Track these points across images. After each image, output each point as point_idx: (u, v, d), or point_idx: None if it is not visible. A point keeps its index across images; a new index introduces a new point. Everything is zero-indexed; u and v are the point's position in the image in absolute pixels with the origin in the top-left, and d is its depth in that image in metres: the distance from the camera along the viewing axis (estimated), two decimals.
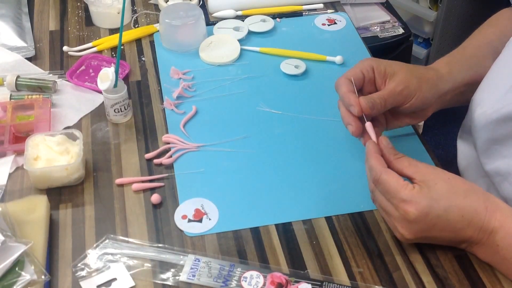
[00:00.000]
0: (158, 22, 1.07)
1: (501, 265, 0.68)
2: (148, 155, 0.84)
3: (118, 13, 1.07)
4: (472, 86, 0.82)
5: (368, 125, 0.74)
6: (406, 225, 0.67)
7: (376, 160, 0.69)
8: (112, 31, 1.08)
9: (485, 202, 0.67)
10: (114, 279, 0.68)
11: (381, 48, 1.41)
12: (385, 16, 1.46)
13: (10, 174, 0.81)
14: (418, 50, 2.03)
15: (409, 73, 0.77)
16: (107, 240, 0.72)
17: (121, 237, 0.73)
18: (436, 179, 0.67)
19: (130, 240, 0.73)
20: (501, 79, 0.77)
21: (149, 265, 0.70)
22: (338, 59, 1.00)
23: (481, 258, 0.70)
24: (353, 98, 0.74)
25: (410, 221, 0.66)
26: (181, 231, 0.74)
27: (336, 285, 0.68)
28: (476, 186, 0.69)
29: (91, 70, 0.99)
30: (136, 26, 1.10)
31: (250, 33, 1.07)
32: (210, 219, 0.76)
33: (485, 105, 0.77)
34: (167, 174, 0.81)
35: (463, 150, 0.90)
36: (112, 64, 0.99)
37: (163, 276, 0.69)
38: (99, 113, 0.91)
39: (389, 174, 0.67)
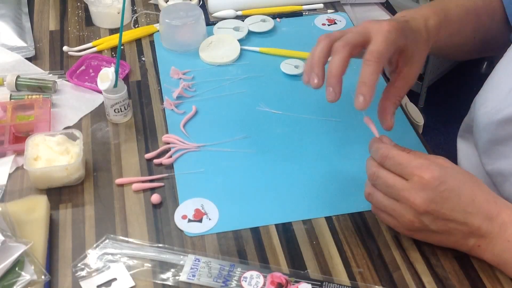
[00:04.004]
0: (158, 22, 1.07)
1: (510, 265, 0.67)
2: (148, 155, 0.84)
3: (118, 13, 1.07)
4: (447, 44, 0.83)
5: (367, 119, 0.72)
6: (419, 192, 0.64)
7: (383, 143, 0.69)
8: (112, 31, 1.08)
9: (495, 198, 0.67)
10: (114, 279, 0.68)
11: None
12: (385, 16, 1.46)
13: (10, 174, 0.81)
14: None
15: (422, 55, 0.75)
16: (107, 240, 0.72)
17: (121, 237, 0.73)
18: (449, 164, 0.67)
19: (130, 240, 0.73)
20: (505, 80, 0.77)
21: (149, 265, 0.70)
22: None
23: (489, 259, 0.68)
24: (339, 86, 0.70)
25: (423, 186, 0.64)
26: (181, 231, 0.74)
27: (336, 285, 0.68)
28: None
29: (91, 70, 0.99)
30: (136, 26, 1.10)
31: (250, 33, 1.07)
32: (210, 219, 0.76)
33: (488, 105, 0.77)
34: (167, 174, 0.81)
35: (464, 149, 0.90)
36: (112, 64, 0.99)
37: (163, 276, 0.69)
38: (99, 113, 0.91)
39: (399, 149, 0.67)
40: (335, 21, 1.11)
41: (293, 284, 0.68)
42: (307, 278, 0.69)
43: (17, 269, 0.65)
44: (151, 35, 1.08)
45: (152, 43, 1.06)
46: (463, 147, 0.90)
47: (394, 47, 0.70)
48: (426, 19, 0.78)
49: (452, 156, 0.94)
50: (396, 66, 0.75)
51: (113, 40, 1.05)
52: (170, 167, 0.83)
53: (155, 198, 0.77)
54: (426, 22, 0.77)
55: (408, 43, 0.72)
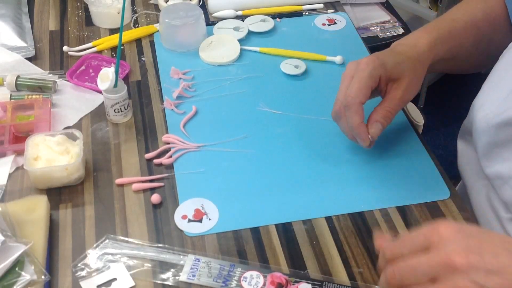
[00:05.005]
0: (158, 22, 1.07)
1: None
2: (148, 155, 0.84)
3: (118, 13, 1.07)
4: (448, 60, 0.85)
5: None
6: (448, 248, 0.53)
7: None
8: (112, 31, 1.08)
9: None
10: (114, 279, 0.68)
11: (381, 48, 1.40)
12: (385, 16, 1.46)
13: (10, 174, 0.81)
14: None
15: (412, 75, 0.78)
16: (107, 240, 0.72)
17: (121, 237, 0.73)
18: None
19: (130, 240, 0.73)
20: (502, 83, 0.77)
21: (149, 265, 0.70)
22: (338, 59, 1.00)
23: None
24: (364, 131, 0.76)
25: (447, 241, 0.53)
26: (181, 231, 0.74)
27: (336, 285, 0.68)
28: None
29: (91, 70, 0.99)
30: (136, 26, 1.10)
31: (250, 33, 1.07)
32: (210, 219, 0.76)
33: (487, 109, 0.77)
34: (167, 174, 0.81)
35: (464, 151, 0.90)
36: (112, 64, 0.99)
37: (163, 276, 0.69)
38: (99, 113, 0.91)
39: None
40: (335, 21, 1.11)
41: (293, 284, 0.68)
42: (307, 278, 0.69)
43: (17, 269, 0.65)
44: (151, 35, 1.08)
45: (152, 43, 1.06)
46: (463, 149, 0.90)
47: (372, 80, 0.76)
48: (416, 39, 0.82)
49: (452, 156, 0.94)
50: (385, 91, 0.79)
51: (113, 40, 1.05)
52: (170, 167, 0.83)
53: (155, 198, 0.77)
54: (416, 42, 0.82)
55: (389, 69, 0.77)
